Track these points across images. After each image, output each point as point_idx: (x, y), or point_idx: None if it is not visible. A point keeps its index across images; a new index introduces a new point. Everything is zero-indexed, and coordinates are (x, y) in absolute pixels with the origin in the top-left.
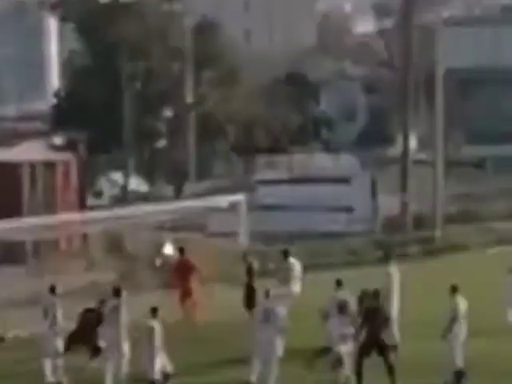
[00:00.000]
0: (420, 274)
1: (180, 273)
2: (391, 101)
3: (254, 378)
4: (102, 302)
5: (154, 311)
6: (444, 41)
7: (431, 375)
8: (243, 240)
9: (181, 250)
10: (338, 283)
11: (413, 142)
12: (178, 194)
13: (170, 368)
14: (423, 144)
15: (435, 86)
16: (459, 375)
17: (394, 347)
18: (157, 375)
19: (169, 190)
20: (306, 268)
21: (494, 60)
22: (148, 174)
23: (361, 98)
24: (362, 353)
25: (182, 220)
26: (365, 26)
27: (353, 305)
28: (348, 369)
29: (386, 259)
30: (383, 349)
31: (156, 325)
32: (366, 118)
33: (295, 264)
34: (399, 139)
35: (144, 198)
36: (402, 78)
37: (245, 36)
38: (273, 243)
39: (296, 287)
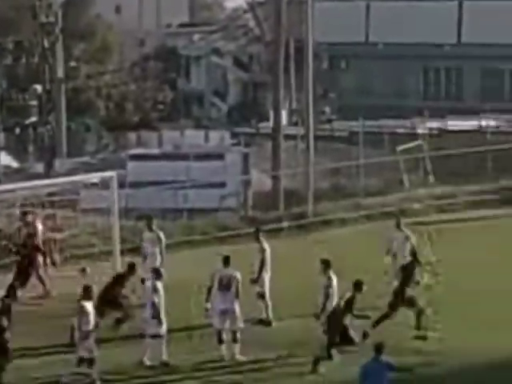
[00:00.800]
0: (292, 249)
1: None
2: (263, 76)
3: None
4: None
5: (87, 291)
6: (315, 16)
7: (304, 350)
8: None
9: (23, 214)
10: (226, 260)
11: (284, 118)
12: (49, 171)
13: (96, 353)
14: (294, 119)
15: (305, 60)
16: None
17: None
18: (86, 354)
19: (40, 166)
20: (179, 244)
21: (364, 35)
22: (19, 151)
23: (232, 74)
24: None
25: (53, 196)
26: (236, 0)
27: (239, 280)
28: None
29: (257, 235)
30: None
31: (89, 306)
32: (237, 93)
33: (161, 234)
34: (271, 115)
35: (15, 174)
36: (273, 53)
37: (115, 11)
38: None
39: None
